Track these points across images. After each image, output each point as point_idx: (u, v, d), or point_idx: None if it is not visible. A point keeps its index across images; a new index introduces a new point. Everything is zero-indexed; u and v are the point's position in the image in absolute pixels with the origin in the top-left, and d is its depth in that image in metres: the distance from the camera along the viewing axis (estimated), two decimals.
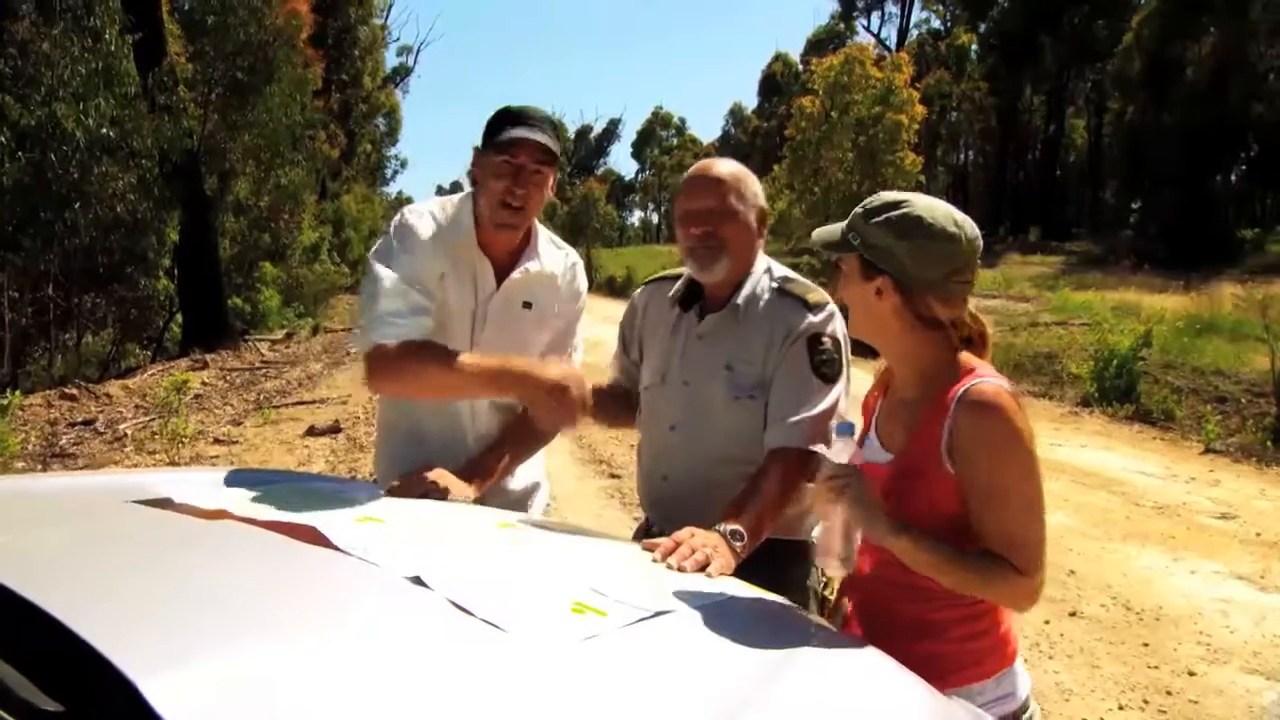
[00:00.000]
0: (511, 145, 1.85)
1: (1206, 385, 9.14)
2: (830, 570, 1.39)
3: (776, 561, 1.71)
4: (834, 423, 1.72)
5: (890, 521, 1.34)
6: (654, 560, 1.42)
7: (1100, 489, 6.22)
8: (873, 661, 1.19)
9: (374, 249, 1.96)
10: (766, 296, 1.85)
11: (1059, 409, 9.21)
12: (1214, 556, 4.95)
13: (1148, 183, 26.69)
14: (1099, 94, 36.81)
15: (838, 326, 1.80)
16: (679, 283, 1.95)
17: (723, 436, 1.83)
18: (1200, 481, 6.51)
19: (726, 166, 1.87)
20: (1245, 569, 4.76)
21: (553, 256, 2.05)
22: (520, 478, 2.11)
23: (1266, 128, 24.31)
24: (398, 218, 1.98)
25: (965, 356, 1.45)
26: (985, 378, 1.38)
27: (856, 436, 1.51)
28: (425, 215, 1.96)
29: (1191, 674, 3.62)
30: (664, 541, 1.47)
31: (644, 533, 1.97)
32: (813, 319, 1.78)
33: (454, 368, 1.79)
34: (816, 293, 1.83)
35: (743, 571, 1.49)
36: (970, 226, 1.43)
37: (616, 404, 2.06)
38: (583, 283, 2.14)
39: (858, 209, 1.46)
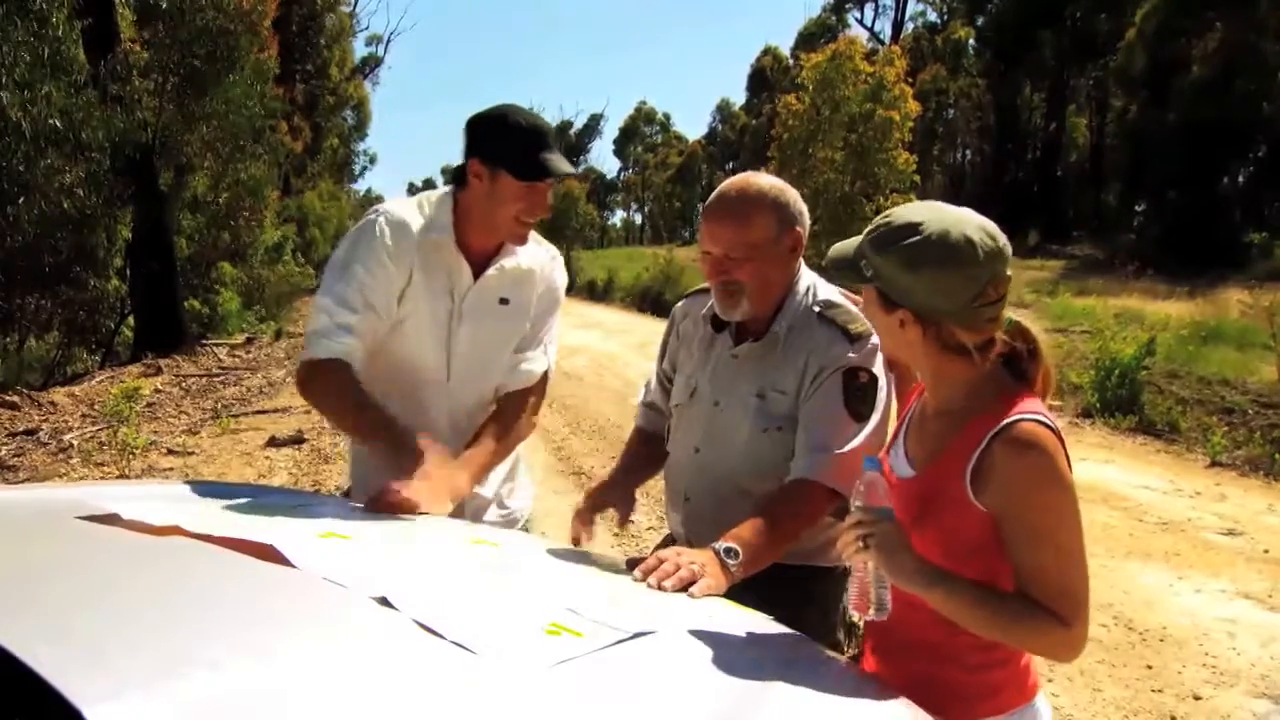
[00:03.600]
0: (546, 175, 1.93)
1: (1212, 396, 9.24)
2: (866, 617, 1.36)
3: (803, 588, 1.74)
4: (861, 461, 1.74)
5: (923, 569, 1.31)
6: (634, 578, 1.42)
7: (1101, 504, 6.26)
8: (860, 685, 1.19)
9: (334, 252, 2.02)
10: (806, 322, 1.83)
11: (1058, 421, 9.23)
12: (1220, 575, 5.00)
13: (1151, 184, 26.99)
14: (1101, 91, 37.17)
15: (877, 362, 1.78)
16: (711, 300, 1.93)
17: (745, 466, 1.84)
18: (1206, 496, 6.57)
19: (747, 195, 1.79)
20: (1253, 588, 4.81)
21: (532, 253, 2.11)
22: (500, 482, 2.15)
23: (1275, 127, 24.62)
24: (365, 221, 2.02)
25: (1008, 384, 1.43)
26: (1027, 414, 1.36)
27: (887, 455, 1.53)
28: (396, 217, 2.01)
29: (1197, 698, 3.65)
30: (646, 559, 1.48)
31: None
32: (853, 353, 1.77)
33: (347, 405, 1.88)
34: (860, 322, 1.79)
35: (768, 596, 1.49)
36: (992, 239, 1.37)
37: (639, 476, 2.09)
38: (562, 278, 2.20)
39: (867, 234, 1.42)
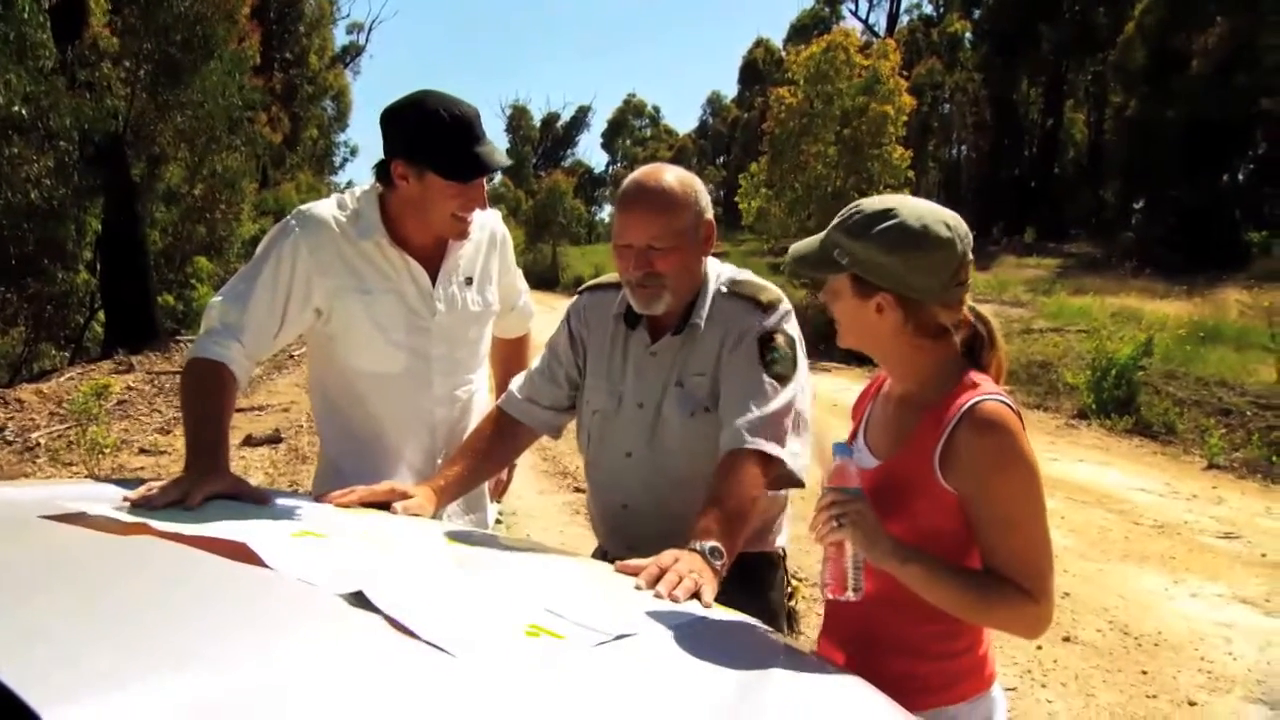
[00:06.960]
0: (478, 173, 1.90)
1: (1210, 397, 9.31)
2: (842, 598, 1.39)
3: (746, 575, 1.73)
4: (789, 422, 1.76)
5: (897, 547, 1.36)
6: (637, 588, 1.40)
7: (1097, 506, 6.31)
8: (847, 687, 1.20)
9: (255, 254, 1.97)
10: (718, 304, 1.85)
11: (1054, 421, 9.34)
12: (1217, 578, 5.04)
13: (1150, 181, 27.10)
14: (1100, 86, 37.33)
15: (792, 326, 1.82)
16: (622, 297, 1.92)
17: (684, 457, 1.83)
18: (1203, 499, 6.62)
19: (666, 183, 1.78)
20: (1249, 592, 4.85)
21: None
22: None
23: (1276, 124, 24.76)
24: (280, 226, 1.98)
25: (967, 368, 1.48)
26: (989, 395, 1.41)
27: (851, 445, 1.55)
28: (314, 222, 1.97)
29: (1192, 704, 3.68)
30: (646, 566, 1.45)
31: (601, 558, 1.96)
32: (766, 320, 1.80)
33: (199, 412, 1.80)
34: (769, 291, 1.84)
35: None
36: (960, 224, 1.45)
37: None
38: (503, 228, 2.25)
39: (838, 225, 1.47)
